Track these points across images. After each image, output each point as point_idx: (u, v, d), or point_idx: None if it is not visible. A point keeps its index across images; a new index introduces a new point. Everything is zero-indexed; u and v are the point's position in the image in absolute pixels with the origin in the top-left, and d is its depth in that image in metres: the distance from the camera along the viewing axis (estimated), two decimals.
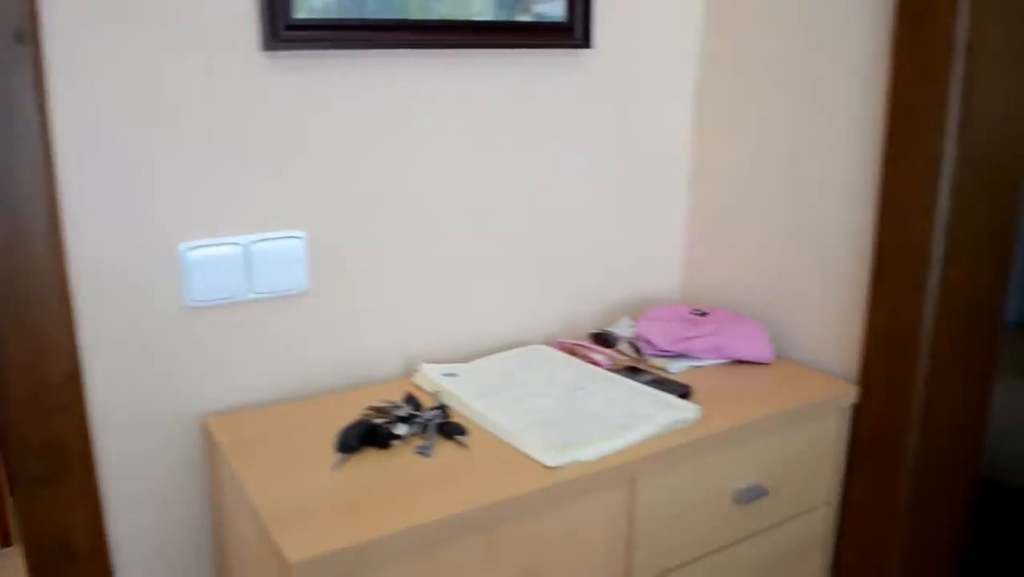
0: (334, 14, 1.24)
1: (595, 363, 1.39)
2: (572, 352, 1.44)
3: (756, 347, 1.41)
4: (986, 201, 1.26)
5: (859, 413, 1.35)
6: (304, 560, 0.90)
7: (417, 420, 1.20)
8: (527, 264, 1.51)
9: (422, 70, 1.33)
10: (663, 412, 1.21)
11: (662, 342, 1.40)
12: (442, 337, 1.45)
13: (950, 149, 1.19)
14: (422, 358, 1.44)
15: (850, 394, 1.34)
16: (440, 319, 1.44)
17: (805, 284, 1.43)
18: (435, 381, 1.33)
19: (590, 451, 1.12)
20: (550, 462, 1.10)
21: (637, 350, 1.44)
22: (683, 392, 1.28)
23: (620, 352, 1.45)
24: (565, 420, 1.20)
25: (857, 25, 1.30)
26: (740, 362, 1.43)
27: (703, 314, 1.48)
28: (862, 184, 1.32)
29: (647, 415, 1.20)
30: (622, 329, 1.48)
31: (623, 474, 1.12)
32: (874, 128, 1.29)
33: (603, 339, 1.47)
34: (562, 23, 1.40)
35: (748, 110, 1.50)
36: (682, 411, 1.21)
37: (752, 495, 1.26)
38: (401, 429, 1.18)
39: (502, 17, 1.35)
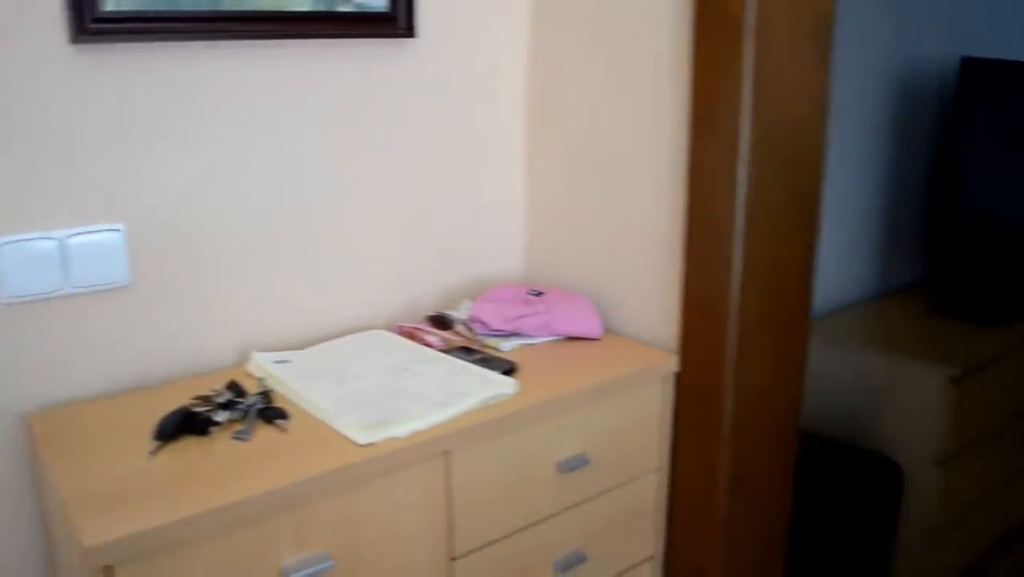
0: (146, 6, 1.24)
1: (428, 345, 1.42)
2: (411, 335, 1.47)
3: (585, 323, 1.46)
4: (786, 174, 1.33)
5: (680, 381, 1.41)
6: (99, 544, 0.91)
7: (238, 406, 1.21)
8: (365, 251, 1.53)
9: (243, 61, 1.34)
10: (481, 388, 1.24)
11: (494, 322, 1.44)
12: (280, 326, 1.47)
13: (745, 126, 1.26)
14: (260, 347, 1.45)
15: (671, 364, 1.40)
16: (277, 308, 1.46)
17: (630, 262, 1.49)
18: (265, 368, 1.34)
19: (404, 428, 1.15)
20: (362, 440, 1.12)
21: (472, 331, 1.47)
22: (508, 369, 1.32)
23: (457, 333, 1.49)
24: (385, 400, 1.23)
25: (664, 13, 1.36)
26: (572, 339, 1.48)
27: (539, 294, 1.52)
28: (673, 164, 1.38)
29: (466, 392, 1.24)
30: (461, 311, 1.52)
31: (437, 449, 1.16)
32: (682, 111, 1.35)
33: (440, 321, 1.50)
34: (385, 13, 1.43)
35: (574, 96, 1.55)
36: (500, 386, 1.25)
37: (576, 464, 1.31)
38: (220, 416, 1.19)
39: (320, 7, 1.37)
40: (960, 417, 2.07)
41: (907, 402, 2.10)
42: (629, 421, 1.38)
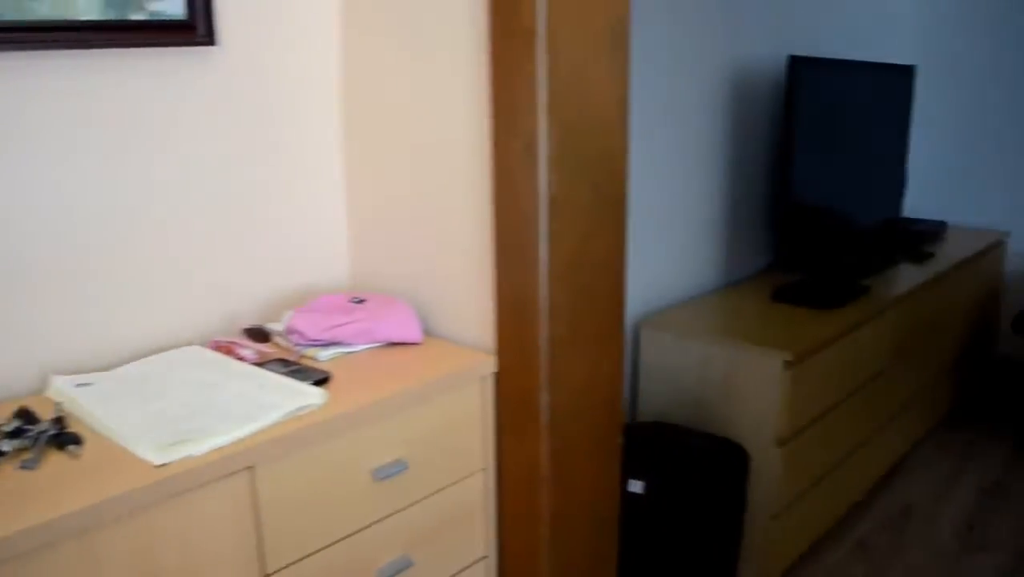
0: None
1: (242, 359, 1.39)
2: (227, 350, 1.43)
3: (405, 329, 1.46)
4: (591, 175, 1.36)
5: (499, 381, 1.43)
6: None
7: (27, 434, 1.16)
8: (178, 266, 1.48)
9: (29, 73, 1.28)
10: (288, 400, 1.23)
11: (311, 332, 1.43)
12: (88, 347, 1.41)
13: (543, 129, 1.28)
14: (67, 370, 1.38)
15: (489, 364, 1.42)
16: (84, 329, 1.40)
17: (447, 266, 1.50)
18: (65, 393, 1.28)
19: (202, 445, 1.12)
20: (157, 460, 1.09)
21: (290, 342, 1.45)
22: (320, 379, 1.31)
23: (275, 345, 1.47)
24: (186, 418, 1.19)
25: (462, 22, 1.38)
26: (393, 345, 1.48)
27: (360, 301, 1.52)
28: (481, 169, 1.40)
29: (271, 405, 1.21)
30: (281, 323, 1.49)
31: (239, 464, 1.13)
32: (486, 116, 1.37)
33: (258, 334, 1.47)
34: (182, 20, 1.39)
35: (386, 104, 1.56)
36: (307, 397, 1.24)
37: (393, 471, 1.30)
38: (6, 445, 1.13)
39: (111, 16, 1.32)
40: (796, 399, 2.18)
41: (748, 387, 2.19)
42: (449, 423, 1.39)
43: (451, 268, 1.49)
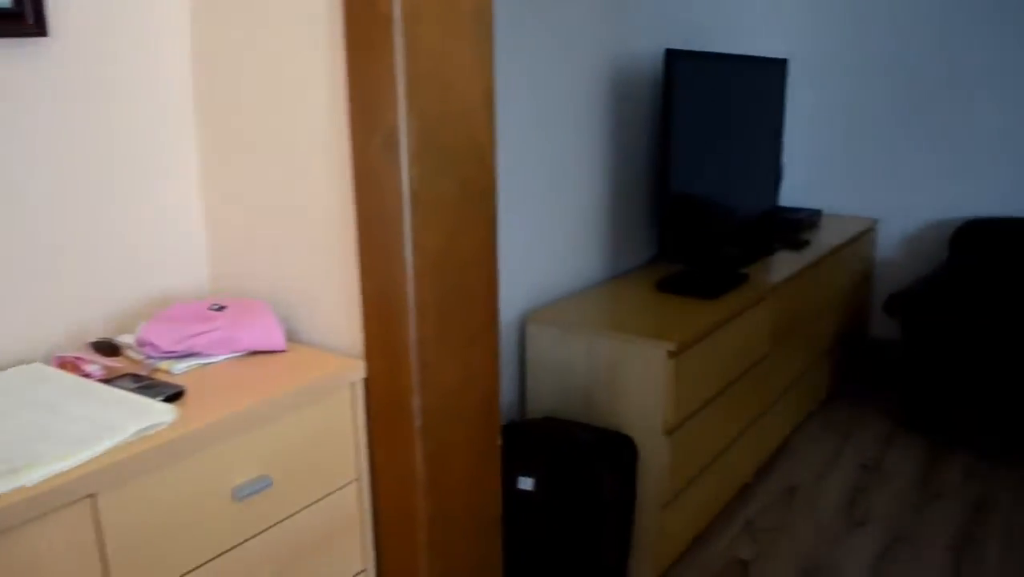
0: None
1: (88, 375, 1.28)
2: (72, 366, 1.32)
3: (267, 336, 1.38)
4: (456, 168, 1.32)
5: (370, 386, 1.37)
6: None
7: None
8: (12, 276, 1.36)
9: None
10: (134, 420, 1.13)
11: (165, 343, 1.33)
12: None
13: (403, 120, 1.23)
14: None
15: (358, 370, 1.36)
16: None
17: (310, 267, 1.43)
18: None
19: (35, 474, 1.02)
20: None
21: (142, 355, 1.35)
22: (172, 394, 1.22)
23: (127, 359, 1.36)
24: (19, 444, 1.08)
25: (318, 9, 1.31)
26: (255, 353, 1.40)
27: (220, 308, 1.43)
28: (341, 162, 1.33)
29: (115, 425, 1.12)
30: (134, 334, 1.39)
31: (78, 493, 1.03)
32: (343, 107, 1.31)
33: (106, 347, 1.37)
34: (8, 9, 1.27)
35: (240, 96, 1.47)
36: (155, 415, 1.15)
37: (256, 488, 1.23)
38: None
39: None
40: (681, 388, 2.20)
41: (634, 379, 2.20)
42: (318, 434, 1.32)
43: (315, 270, 1.42)
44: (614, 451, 2.18)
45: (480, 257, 1.39)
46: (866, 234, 3.67)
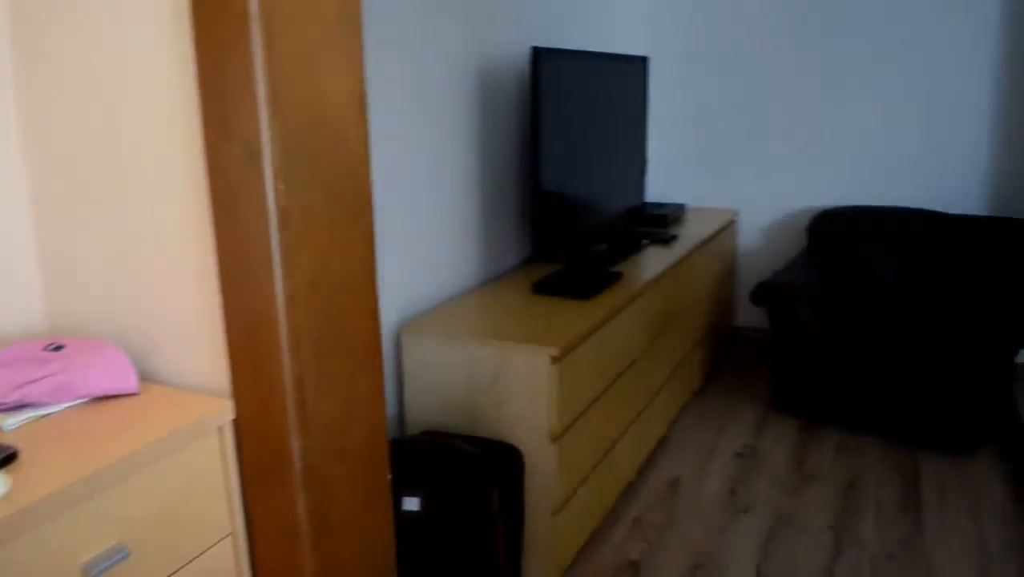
0: None
1: None
2: None
3: (115, 378, 1.20)
4: (326, 178, 1.19)
5: (241, 428, 1.22)
6: None
7: None
8: None
9: None
10: None
11: None
12: None
13: (265, 128, 1.09)
14: None
15: (225, 410, 1.20)
16: None
17: (163, 297, 1.26)
18: None
19: None
20: None
21: None
22: (4, 457, 1.03)
23: None
24: None
25: (157, 10, 1.14)
26: (104, 399, 1.21)
27: (58, 348, 1.23)
28: (194, 177, 1.17)
29: None
30: None
31: None
32: (196, 114, 1.15)
33: None
34: None
35: (71, 107, 1.27)
36: None
37: (111, 561, 1.05)
38: None
39: None
40: (565, 393, 2.15)
41: (517, 386, 2.13)
42: (181, 489, 1.15)
43: (171, 300, 1.25)
44: (501, 462, 2.10)
45: (358, 276, 1.26)
46: (728, 226, 3.76)
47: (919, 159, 3.66)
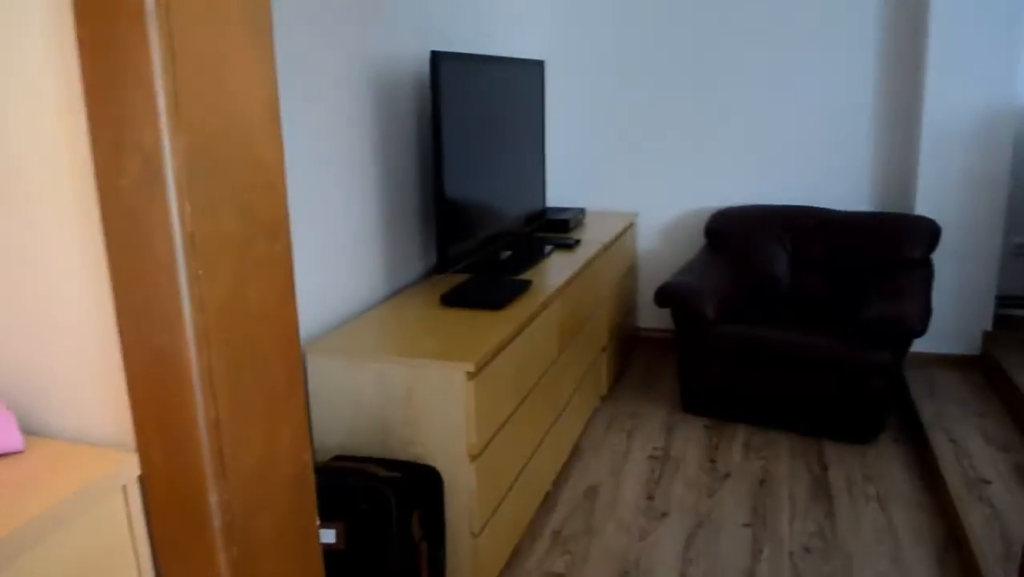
0: None
1: None
2: None
3: None
4: (239, 195, 1.05)
5: (149, 485, 1.07)
6: None
7: None
8: None
9: None
10: None
11: None
12: None
13: (167, 142, 0.95)
14: None
15: (131, 465, 1.05)
16: None
17: (51, 338, 1.09)
18: None
19: None
20: None
21: None
22: None
23: None
24: None
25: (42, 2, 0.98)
26: None
27: None
28: (85, 199, 1.02)
29: None
30: None
31: None
32: (84, 127, 1.00)
33: None
34: None
35: None
36: None
37: None
38: None
39: None
40: (482, 409, 2.06)
41: (433, 405, 2.03)
42: (81, 561, 0.99)
43: (60, 341, 1.08)
44: (419, 485, 2.00)
45: (277, 303, 1.13)
46: (628, 228, 3.77)
47: (809, 159, 3.77)
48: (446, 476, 2.06)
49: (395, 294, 2.64)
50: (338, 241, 2.33)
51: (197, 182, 0.98)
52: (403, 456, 2.10)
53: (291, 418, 1.16)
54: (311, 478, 1.22)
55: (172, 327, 0.99)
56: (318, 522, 1.22)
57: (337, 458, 2.13)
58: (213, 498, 1.04)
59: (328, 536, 1.98)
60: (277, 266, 1.12)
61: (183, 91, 0.95)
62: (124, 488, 1.05)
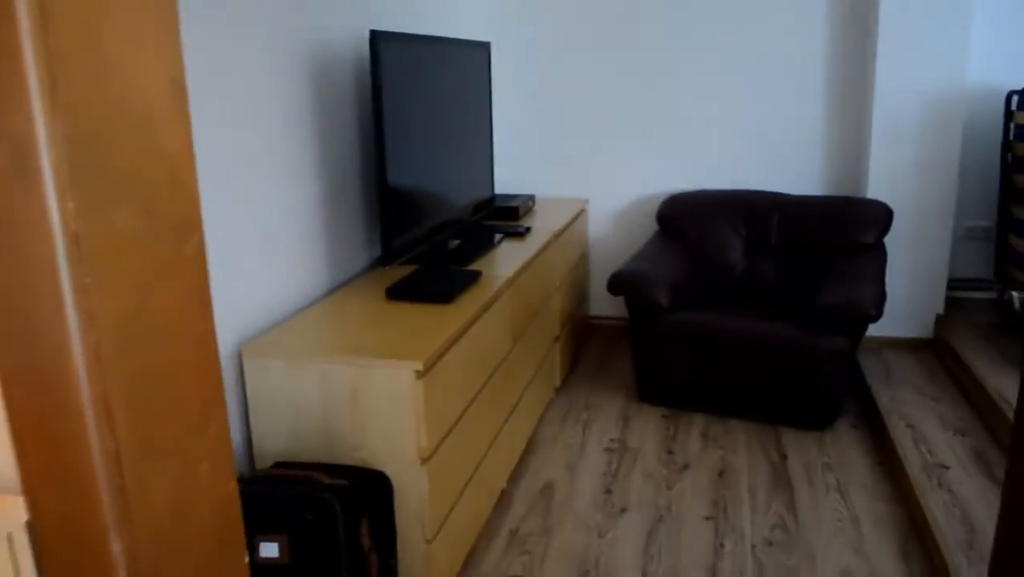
0: None
1: None
2: None
3: None
4: (139, 192, 0.90)
5: (40, 532, 0.92)
6: None
7: None
8: None
9: None
10: None
11: None
12: None
13: (42, 127, 0.79)
14: None
15: (17, 510, 0.89)
16: None
17: None
18: None
19: None
20: None
21: None
22: None
23: None
24: None
25: None
26: None
27: None
28: None
29: None
30: None
31: None
32: None
33: None
34: None
35: None
36: None
37: None
38: None
39: None
40: (432, 409, 1.94)
41: (379, 406, 1.90)
42: None
43: None
44: (367, 492, 1.87)
45: (188, 312, 0.98)
46: (579, 215, 3.66)
47: (760, 143, 3.70)
48: (396, 481, 1.94)
49: (338, 288, 2.49)
50: (273, 235, 2.16)
51: (81, 175, 0.82)
52: (349, 461, 1.97)
53: (210, 446, 1.01)
54: (238, 510, 1.07)
55: (56, 347, 0.83)
56: (247, 559, 1.08)
57: (278, 465, 1.98)
58: (116, 547, 0.89)
59: (270, 550, 1.85)
60: (187, 271, 0.97)
61: (60, 66, 0.79)
62: (9, 536, 0.89)
